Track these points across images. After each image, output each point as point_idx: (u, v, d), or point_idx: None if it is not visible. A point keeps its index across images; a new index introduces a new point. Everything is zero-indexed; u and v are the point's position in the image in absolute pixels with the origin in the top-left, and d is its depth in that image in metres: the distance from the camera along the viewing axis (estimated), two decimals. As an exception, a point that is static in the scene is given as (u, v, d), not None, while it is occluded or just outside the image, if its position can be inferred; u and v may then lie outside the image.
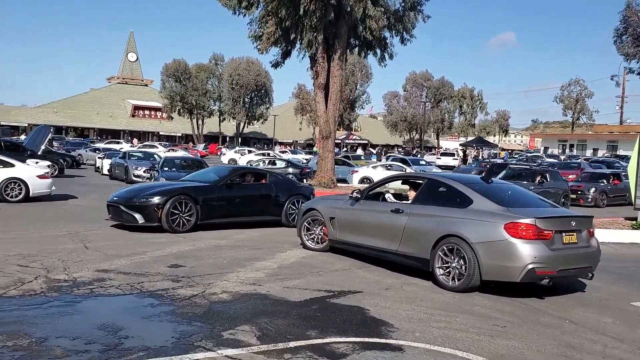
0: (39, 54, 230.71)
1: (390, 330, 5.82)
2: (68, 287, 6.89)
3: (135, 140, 66.59)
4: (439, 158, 53.43)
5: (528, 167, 29.15)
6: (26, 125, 79.17)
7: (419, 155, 54.09)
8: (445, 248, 7.78)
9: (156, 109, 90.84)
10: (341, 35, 22.96)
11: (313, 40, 22.78)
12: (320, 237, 10.08)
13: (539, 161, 41.15)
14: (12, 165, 15.68)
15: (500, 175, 21.93)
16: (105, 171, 29.36)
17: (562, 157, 53.93)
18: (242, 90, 77.36)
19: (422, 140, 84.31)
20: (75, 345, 4.97)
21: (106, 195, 18.86)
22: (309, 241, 10.20)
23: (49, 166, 20.73)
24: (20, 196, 15.35)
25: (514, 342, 5.70)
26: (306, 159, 39.56)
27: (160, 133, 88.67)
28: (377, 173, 27.88)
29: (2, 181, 15.15)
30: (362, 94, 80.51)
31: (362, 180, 27.75)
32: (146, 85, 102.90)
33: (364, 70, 77.68)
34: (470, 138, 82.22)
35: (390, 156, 44.26)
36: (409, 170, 28.61)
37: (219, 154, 58.34)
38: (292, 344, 5.24)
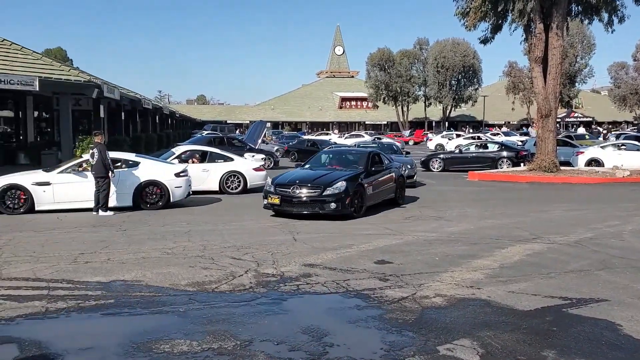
0: (255, 55, 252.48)
1: (658, 358, 4.48)
2: (275, 282, 6.71)
3: (335, 130, 68.20)
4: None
5: None
6: (247, 122, 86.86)
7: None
8: None
9: (362, 99, 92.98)
10: (560, 1, 20.42)
11: (525, 10, 20.62)
12: None
13: None
14: (232, 160, 16.75)
15: None
16: None
17: None
18: (448, 73, 75.04)
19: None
20: (278, 351, 4.61)
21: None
22: None
23: (263, 159, 21.88)
24: (239, 188, 16.27)
25: None
26: (521, 141, 36.58)
27: (366, 122, 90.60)
28: (607, 154, 24.55)
29: (223, 174, 16.23)
30: (584, 67, 72.41)
31: (589, 163, 24.57)
32: (352, 76, 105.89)
33: (584, 41, 69.76)
34: None
35: (621, 134, 38.87)
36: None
37: (424, 139, 57.26)
38: (524, 369, 4.24)
